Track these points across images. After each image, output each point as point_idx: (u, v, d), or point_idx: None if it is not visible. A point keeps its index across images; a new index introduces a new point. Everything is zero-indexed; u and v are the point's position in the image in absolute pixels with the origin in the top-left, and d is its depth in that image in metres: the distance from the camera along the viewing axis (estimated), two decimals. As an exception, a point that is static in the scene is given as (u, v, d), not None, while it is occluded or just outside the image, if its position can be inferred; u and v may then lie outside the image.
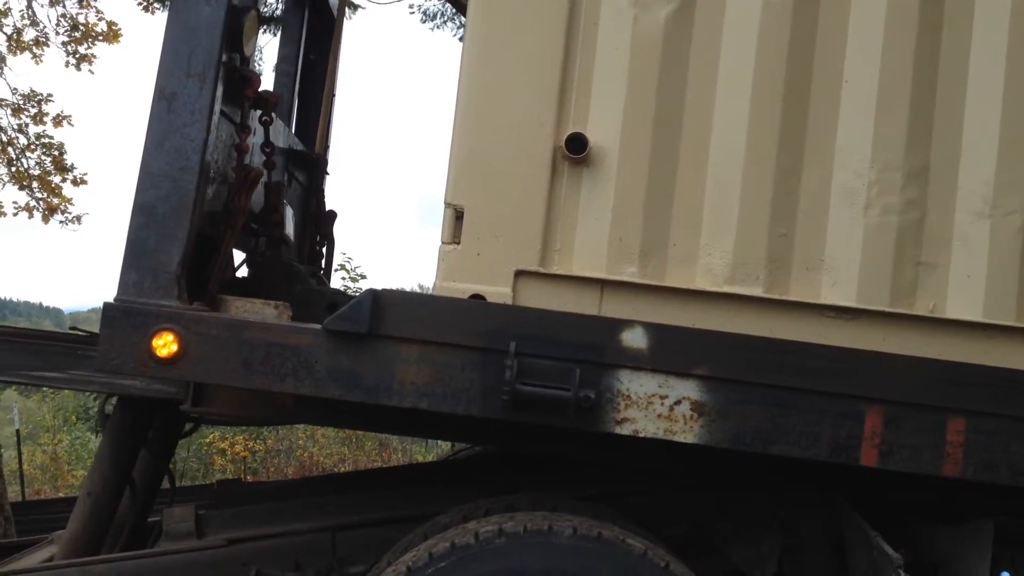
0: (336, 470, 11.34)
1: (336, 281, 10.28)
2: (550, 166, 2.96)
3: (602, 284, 2.95)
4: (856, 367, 2.75)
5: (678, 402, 2.75)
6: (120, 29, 11.56)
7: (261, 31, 12.35)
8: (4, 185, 11.40)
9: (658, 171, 2.97)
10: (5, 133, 11.39)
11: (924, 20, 2.97)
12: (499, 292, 2.92)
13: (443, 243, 2.97)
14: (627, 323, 2.78)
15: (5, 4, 11.22)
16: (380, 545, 3.29)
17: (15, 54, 11.06)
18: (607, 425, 2.75)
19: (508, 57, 2.99)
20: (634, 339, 2.76)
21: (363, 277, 10.66)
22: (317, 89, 4.89)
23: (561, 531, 2.75)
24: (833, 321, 2.94)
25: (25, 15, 11.16)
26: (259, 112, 3.58)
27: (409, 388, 2.75)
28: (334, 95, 4.97)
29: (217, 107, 2.96)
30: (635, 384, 2.75)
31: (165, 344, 2.76)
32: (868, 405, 2.73)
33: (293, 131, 4.72)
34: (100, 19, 11.47)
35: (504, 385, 2.68)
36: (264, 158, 3.73)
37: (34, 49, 11.26)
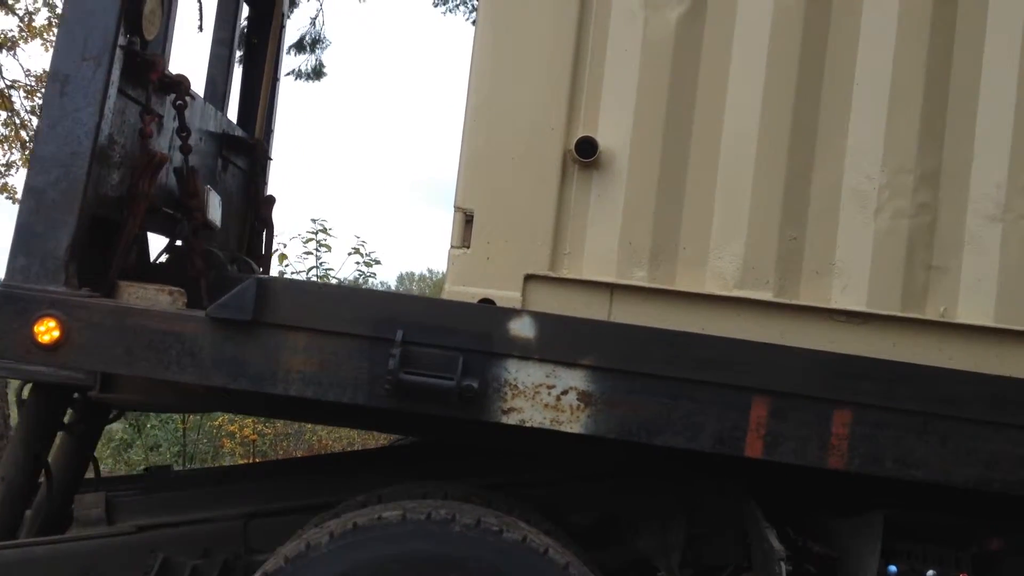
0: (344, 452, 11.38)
1: (350, 265, 10.32)
2: (560, 170, 2.96)
3: (612, 288, 2.95)
4: (743, 358, 2.71)
5: (565, 392, 2.72)
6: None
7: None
8: (18, 169, 11.41)
9: (668, 174, 2.96)
10: (19, 116, 11.38)
11: (936, 21, 2.95)
12: (509, 296, 2.93)
13: (452, 247, 2.98)
14: (515, 312, 2.77)
15: None
16: (293, 533, 3.26)
17: (26, 41, 11.03)
18: (494, 414, 2.73)
19: (517, 60, 2.98)
20: (522, 328, 2.73)
21: (377, 262, 10.60)
22: (260, 74, 4.84)
23: (442, 519, 2.75)
24: (843, 325, 2.94)
25: None
26: (173, 96, 3.53)
27: (295, 376, 2.72)
28: (277, 80, 4.92)
29: (112, 91, 2.92)
30: (522, 374, 2.72)
31: (47, 330, 2.72)
32: (754, 396, 2.69)
33: (236, 117, 4.69)
34: None
35: (387, 374, 2.66)
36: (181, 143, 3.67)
37: (45, 35, 11.24)
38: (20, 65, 12.78)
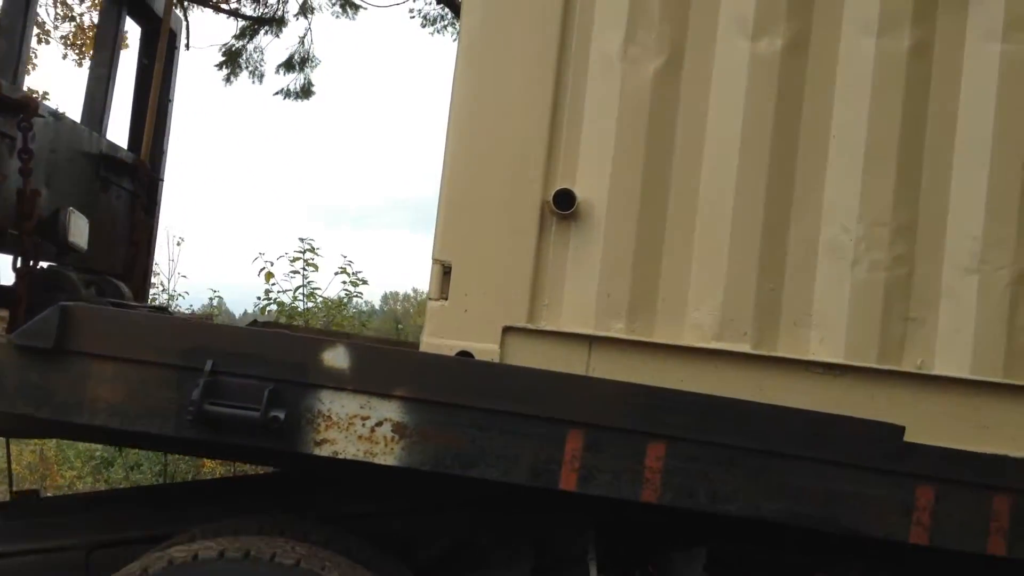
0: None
1: (336, 285, 10.35)
2: (538, 221, 2.97)
3: (591, 340, 2.95)
4: (558, 390, 2.69)
5: (380, 423, 2.68)
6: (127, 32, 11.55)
7: (263, 32, 12.45)
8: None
9: (646, 226, 2.97)
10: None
11: (911, 76, 2.97)
12: (487, 348, 2.92)
13: (430, 299, 2.98)
14: (329, 343, 2.74)
15: None
16: None
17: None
18: (306, 446, 2.69)
19: (495, 112, 2.99)
20: (336, 359, 2.70)
21: (364, 282, 10.60)
22: (148, 96, 4.82)
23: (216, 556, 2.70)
24: (821, 377, 2.94)
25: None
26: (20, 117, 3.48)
27: (102, 406, 2.68)
28: (170, 101, 4.90)
29: None
30: (336, 405, 2.68)
31: None
32: (569, 429, 2.66)
33: (127, 138, 4.68)
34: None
35: (190, 404, 2.63)
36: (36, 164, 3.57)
37: (32, 56, 11.26)
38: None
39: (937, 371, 2.94)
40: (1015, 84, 2.96)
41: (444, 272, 2.96)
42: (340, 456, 2.67)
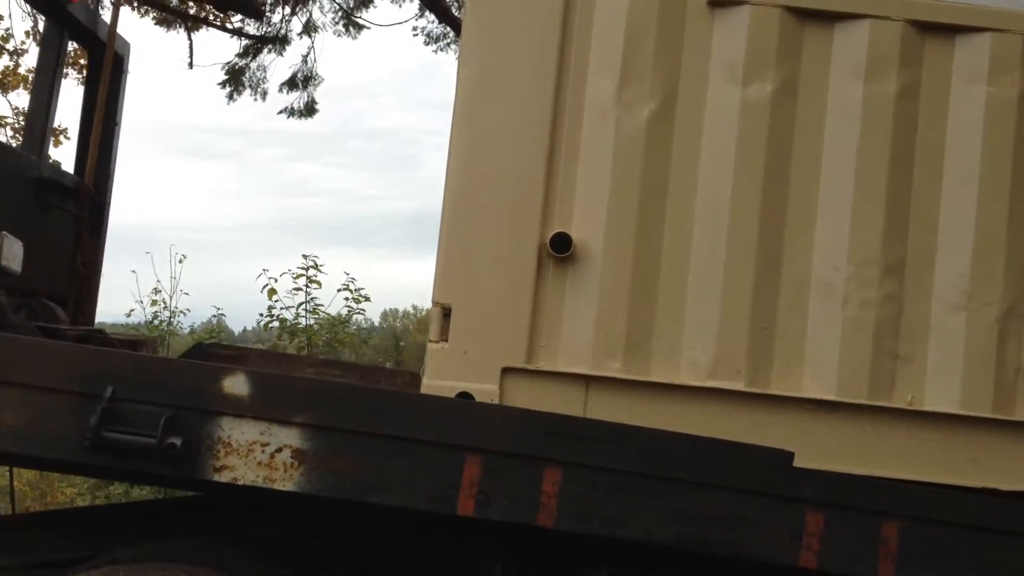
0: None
1: (339, 302, 10.44)
2: (535, 264, 3.03)
3: (587, 380, 3.02)
4: (456, 417, 2.76)
5: (279, 450, 2.73)
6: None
7: (267, 50, 12.52)
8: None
9: (641, 267, 3.04)
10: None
11: (899, 116, 3.04)
12: (487, 389, 2.99)
13: (430, 341, 3.05)
14: (229, 370, 2.80)
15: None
16: None
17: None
18: (206, 472, 2.73)
19: (493, 157, 3.06)
20: (236, 386, 2.75)
21: (367, 299, 10.68)
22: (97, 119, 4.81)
23: None
24: (814, 413, 3.01)
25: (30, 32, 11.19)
26: None
27: (5, 431, 2.71)
28: (116, 124, 4.93)
29: None
30: (236, 431, 2.73)
31: None
32: (467, 455, 2.72)
33: (73, 162, 4.70)
34: None
35: (87, 430, 2.68)
36: None
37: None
38: (8, 101, 12.91)
39: (927, 407, 3.01)
40: (999, 125, 3.04)
41: (444, 314, 3.03)
42: (240, 482, 2.73)
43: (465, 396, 2.96)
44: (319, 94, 13.02)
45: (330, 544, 3.35)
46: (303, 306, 10.09)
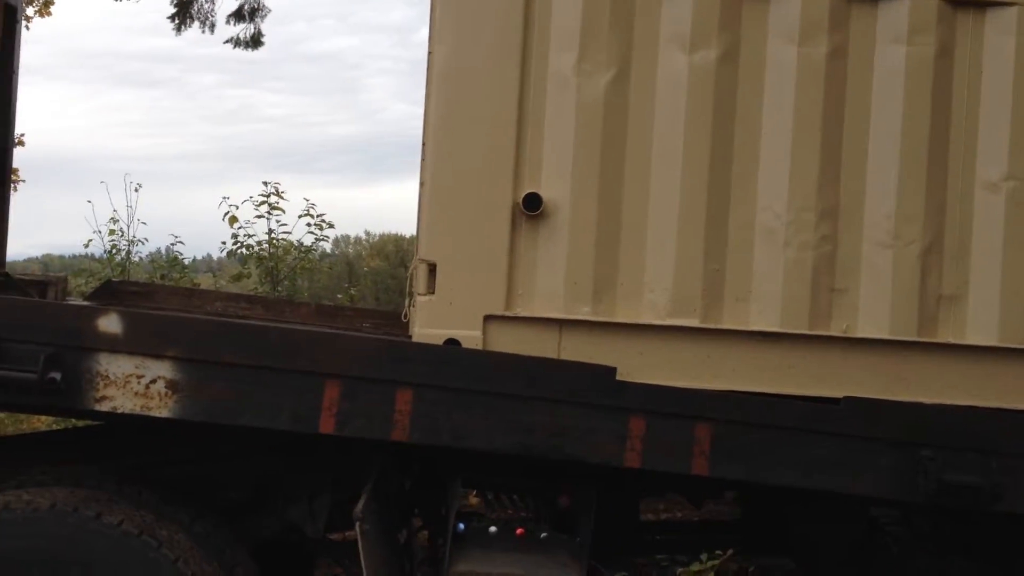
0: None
1: (301, 228, 10.49)
2: (510, 222, 3.38)
3: (561, 323, 3.38)
4: (314, 347, 3.13)
5: (153, 381, 3.07)
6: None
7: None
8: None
9: (605, 221, 3.39)
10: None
11: (830, 76, 3.39)
12: (471, 335, 3.34)
13: (419, 294, 3.39)
14: (103, 311, 3.13)
15: None
16: None
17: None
18: (88, 403, 3.05)
19: (468, 128, 3.38)
20: (110, 325, 3.07)
21: (330, 225, 10.64)
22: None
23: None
24: (761, 344, 3.40)
25: None
26: None
27: None
28: (13, 73, 4.78)
29: None
30: (113, 365, 3.06)
31: None
32: (326, 380, 3.08)
33: None
34: None
35: None
36: None
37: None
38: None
39: (860, 334, 3.41)
40: (919, 81, 3.40)
41: (430, 270, 3.37)
42: (119, 411, 3.08)
43: (452, 342, 3.32)
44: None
45: (233, 463, 3.66)
46: (271, 233, 10.16)
